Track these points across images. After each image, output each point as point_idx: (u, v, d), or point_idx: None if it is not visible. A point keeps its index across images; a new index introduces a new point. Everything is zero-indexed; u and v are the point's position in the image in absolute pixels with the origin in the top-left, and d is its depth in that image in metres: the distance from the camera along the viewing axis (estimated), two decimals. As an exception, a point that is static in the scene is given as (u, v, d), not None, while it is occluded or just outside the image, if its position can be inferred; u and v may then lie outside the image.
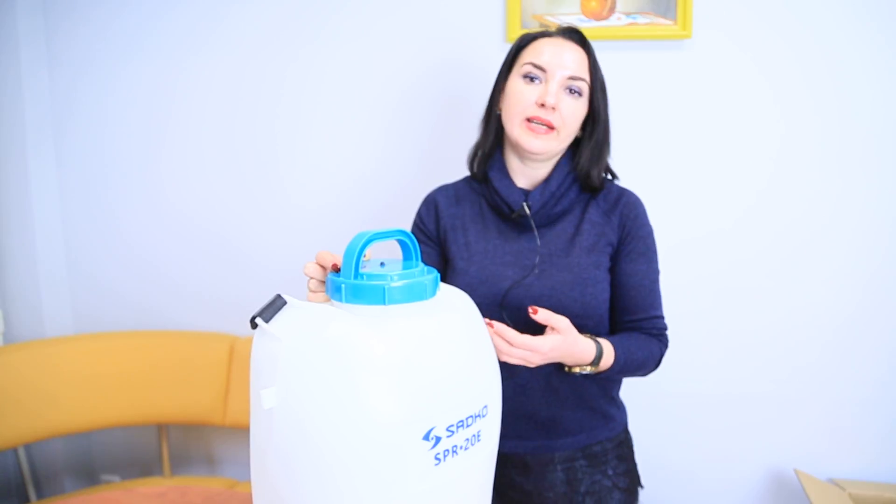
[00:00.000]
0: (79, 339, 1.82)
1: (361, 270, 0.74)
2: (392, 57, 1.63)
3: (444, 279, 1.16)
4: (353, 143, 1.70)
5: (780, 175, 1.54)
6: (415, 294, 0.74)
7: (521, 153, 1.13)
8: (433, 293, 0.76)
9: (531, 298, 1.08)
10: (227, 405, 1.79)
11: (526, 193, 1.15)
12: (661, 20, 1.52)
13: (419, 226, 1.22)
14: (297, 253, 1.76)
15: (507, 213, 1.15)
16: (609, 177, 1.19)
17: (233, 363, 1.79)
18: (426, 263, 1.14)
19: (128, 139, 1.82)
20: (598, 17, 1.53)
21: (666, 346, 1.14)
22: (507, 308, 1.09)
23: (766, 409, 1.61)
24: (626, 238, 1.13)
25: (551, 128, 1.09)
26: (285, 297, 0.74)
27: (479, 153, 1.20)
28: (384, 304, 0.72)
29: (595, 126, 1.12)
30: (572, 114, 1.10)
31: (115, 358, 1.79)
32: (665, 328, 1.14)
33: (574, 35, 1.12)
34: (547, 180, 1.14)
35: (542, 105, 1.07)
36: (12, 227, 1.85)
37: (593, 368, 1.04)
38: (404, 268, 0.77)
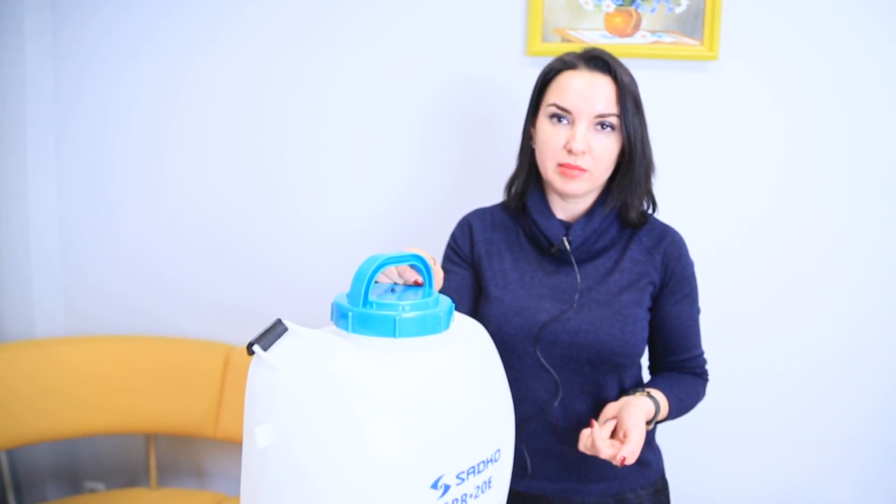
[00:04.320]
0: (69, 342, 1.77)
1: (371, 298, 0.69)
2: (404, 68, 1.60)
3: (475, 305, 1.13)
4: (363, 152, 1.66)
5: (801, 203, 1.50)
6: (428, 327, 0.69)
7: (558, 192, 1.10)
8: (447, 325, 0.71)
9: (568, 333, 1.04)
10: (220, 417, 1.74)
11: (566, 227, 1.10)
12: (687, 40, 1.47)
13: (453, 247, 1.18)
14: (301, 262, 1.73)
15: (546, 247, 1.11)
16: (650, 209, 1.14)
17: (227, 373, 1.74)
18: (459, 286, 1.12)
19: (131, 138, 1.78)
20: (623, 34, 1.49)
21: (707, 381, 1.14)
22: (541, 342, 1.05)
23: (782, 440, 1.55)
24: (670, 279, 1.09)
25: (585, 170, 1.04)
26: (286, 322, 0.68)
27: (517, 184, 1.16)
28: (394, 336, 0.67)
29: (631, 158, 1.06)
30: (604, 151, 1.05)
31: (105, 362, 1.74)
32: (706, 363, 1.13)
33: (599, 63, 1.06)
34: (589, 215, 1.09)
35: (571, 152, 1.03)
36: (8, 224, 1.80)
37: (648, 427, 1.01)
38: (418, 296, 0.72)
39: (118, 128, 1.78)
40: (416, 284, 0.78)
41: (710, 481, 1.60)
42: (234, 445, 1.78)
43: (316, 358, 0.64)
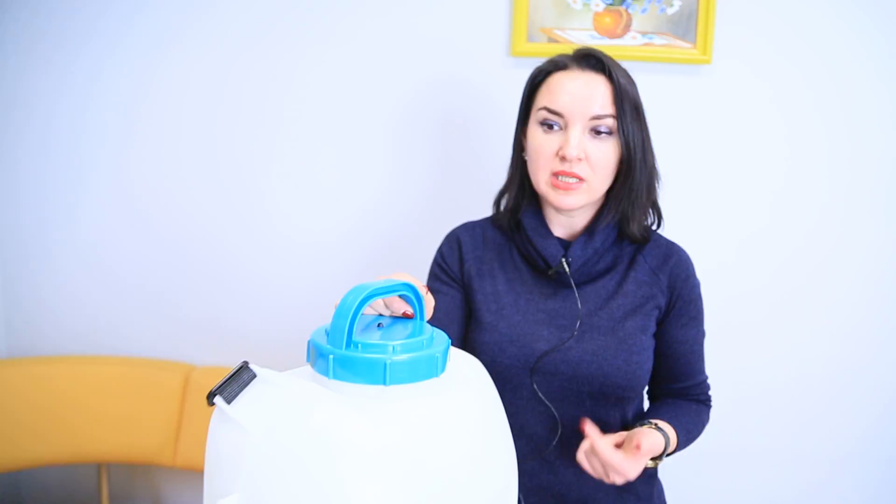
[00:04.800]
0: (10, 364, 1.64)
1: (355, 336, 0.59)
2: (379, 69, 1.52)
3: (465, 331, 1.06)
4: (337, 158, 1.58)
5: (796, 215, 1.46)
6: (422, 371, 0.60)
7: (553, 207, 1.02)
8: (444, 367, 0.62)
9: (569, 364, 0.97)
10: (178, 444, 1.63)
11: (564, 246, 1.03)
12: (680, 43, 1.41)
13: (441, 264, 1.10)
14: (267, 272, 1.64)
15: (543, 268, 1.03)
16: (655, 223, 1.07)
17: (187, 396, 1.64)
18: (448, 307, 1.05)
19: (84, 141, 1.65)
20: (612, 35, 1.42)
21: (710, 407, 1.09)
22: (539, 373, 0.98)
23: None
24: (677, 301, 1.03)
25: (581, 179, 0.97)
26: (255, 368, 0.58)
27: (507, 198, 1.09)
28: (384, 384, 0.57)
29: (630, 165, 0.98)
30: (602, 159, 0.97)
31: (52, 386, 1.62)
32: (709, 388, 1.08)
33: (591, 61, 0.99)
34: (589, 233, 1.02)
35: (564, 159, 0.96)
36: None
37: (656, 462, 0.95)
38: (409, 333, 0.63)
39: (67, 130, 1.64)
40: (405, 316, 0.68)
41: (702, 499, 1.56)
42: (194, 474, 1.68)
43: (291, 413, 0.54)
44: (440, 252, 1.11)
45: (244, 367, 0.58)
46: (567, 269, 1.00)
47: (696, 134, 1.46)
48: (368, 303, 0.61)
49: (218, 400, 0.55)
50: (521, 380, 0.98)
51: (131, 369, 1.66)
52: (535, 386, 0.98)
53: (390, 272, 1.54)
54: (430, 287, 1.09)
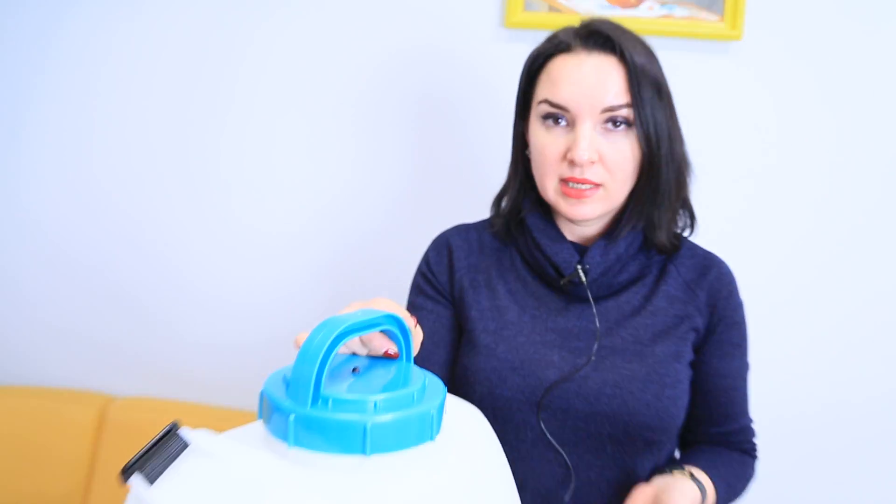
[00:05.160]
0: None
1: (324, 389, 0.51)
2: (351, 41, 1.47)
3: (455, 354, 1.00)
4: (296, 144, 1.52)
5: (843, 217, 1.43)
6: (412, 435, 0.52)
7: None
8: (438, 428, 0.54)
9: (585, 398, 0.90)
10: (91, 491, 1.56)
11: (580, 251, 0.97)
12: (705, 14, 1.36)
13: (426, 275, 1.04)
14: (211, 284, 1.58)
15: (553, 277, 0.97)
16: (688, 229, 1.02)
17: (103, 433, 1.57)
18: (433, 328, 0.99)
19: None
20: (625, 4, 1.38)
21: (757, 458, 1.04)
22: (547, 410, 0.91)
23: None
24: (718, 325, 0.97)
25: (596, 185, 0.91)
26: (187, 433, 0.49)
27: (507, 200, 1.03)
28: (363, 453, 0.49)
29: (653, 161, 0.92)
30: (620, 158, 0.91)
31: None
32: (755, 435, 1.03)
33: (600, 40, 0.92)
34: (609, 236, 0.96)
35: (573, 163, 0.90)
36: None
37: None
38: (393, 380, 0.56)
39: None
40: (387, 357, 0.60)
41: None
42: (110, 529, 1.60)
43: (237, 498, 0.46)
44: (426, 259, 1.05)
45: (172, 431, 0.49)
46: (583, 279, 0.94)
47: (722, 123, 1.41)
48: (343, 343, 0.53)
49: (136, 479, 0.47)
50: (526, 417, 0.91)
51: (34, 401, 1.61)
52: (542, 425, 0.91)
53: (361, 285, 1.54)
54: (412, 303, 1.03)
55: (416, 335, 0.64)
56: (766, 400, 1.31)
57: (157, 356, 1.61)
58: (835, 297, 1.44)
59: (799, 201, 1.43)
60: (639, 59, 0.91)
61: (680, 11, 1.36)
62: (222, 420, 1.52)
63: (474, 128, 1.45)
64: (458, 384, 0.95)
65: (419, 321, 0.97)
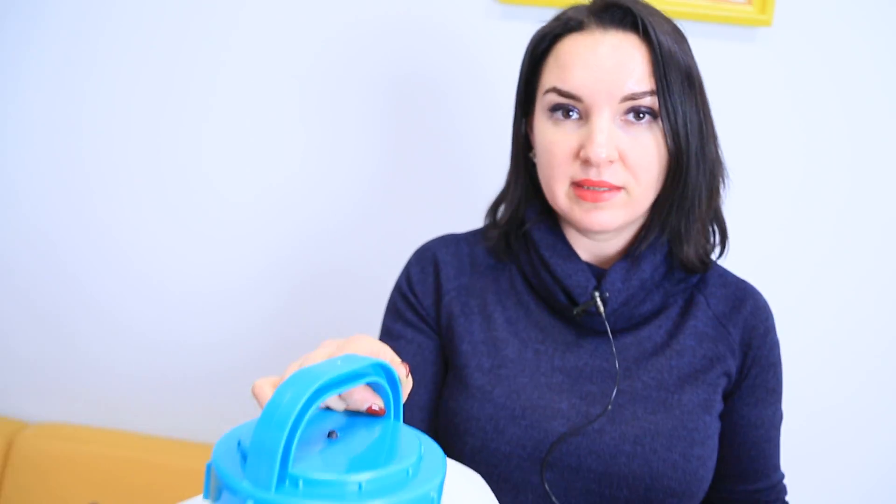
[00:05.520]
0: None
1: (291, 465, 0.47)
2: (332, 14, 1.44)
3: (439, 393, 0.96)
4: (273, 133, 1.49)
5: (872, 219, 1.44)
6: None
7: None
8: (437, 507, 0.50)
9: (599, 456, 0.87)
10: None
11: (597, 273, 0.93)
12: None
13: (406, 297, 1.00)
14: (148, 285, 1.53)
15: (564, 305, 0.93)
16: (718, 249, 0.98)
17: (7, 467, 1.52)
18: (414, 362, 0.95)
19: None
20: None
21: None
22: (553, 468, 0.87)
23: None
24: (752, 367, 0.94)
25: (617, 188, 0.87)
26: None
27: (505, 207, 1.00)
28: None
29: (681, 162, 0.89)
30: (644, 155, 0.88)
31: None
32: (786, 492, 1.01)
33: (617, 14, 0.89)
34: (632, 256, 0.92)
35: (588, 162, 0.86)
36: None
37: None
38: (381, 452, 0.52)
39: None
40: (371, 414, 0.55)
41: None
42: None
43: None
44: (406, 276, 1.01)
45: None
46: (601, 309, 0.90)
47: (749, 118, 1.41)
48: (319, 402, 0.48)
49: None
50: (526, 476, 0.87)
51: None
52: (546, 486, 0.87)
53: (326, 305, 1.52)
54: (388, 330, 0.99)
55: (406, 386, 0.60)
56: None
57: (79, 377, 1.57)
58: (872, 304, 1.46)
59: (831, 208, 1.43)
60: (665, 38, 0.87)
61: (703, -9, 1.34)
62: (152, 451, 1.49)
63: (460, 117, 1.42)
64: (443, 432, 0.91)
65: (396, 352, 0.92)
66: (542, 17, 1.36)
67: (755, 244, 1.42)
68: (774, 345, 0.96)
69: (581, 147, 0.86)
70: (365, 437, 0.53)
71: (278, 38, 1.44)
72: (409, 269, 1.01)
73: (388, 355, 0.59)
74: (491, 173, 1.41)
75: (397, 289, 1.01)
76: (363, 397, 0.55)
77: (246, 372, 1.48)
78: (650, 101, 0.86)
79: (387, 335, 0.98)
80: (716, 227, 0.97)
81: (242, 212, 1.50)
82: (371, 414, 0.56)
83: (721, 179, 0.94)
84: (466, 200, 1.40)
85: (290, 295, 1.49)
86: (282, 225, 1.49)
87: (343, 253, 1.49)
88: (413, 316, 0.98)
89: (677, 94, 0.87)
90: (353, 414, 0.56)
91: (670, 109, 0.86)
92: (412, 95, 1.45)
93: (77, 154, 1.51)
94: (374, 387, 0.55)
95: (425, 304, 0.98)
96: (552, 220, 0.96)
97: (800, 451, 1.45)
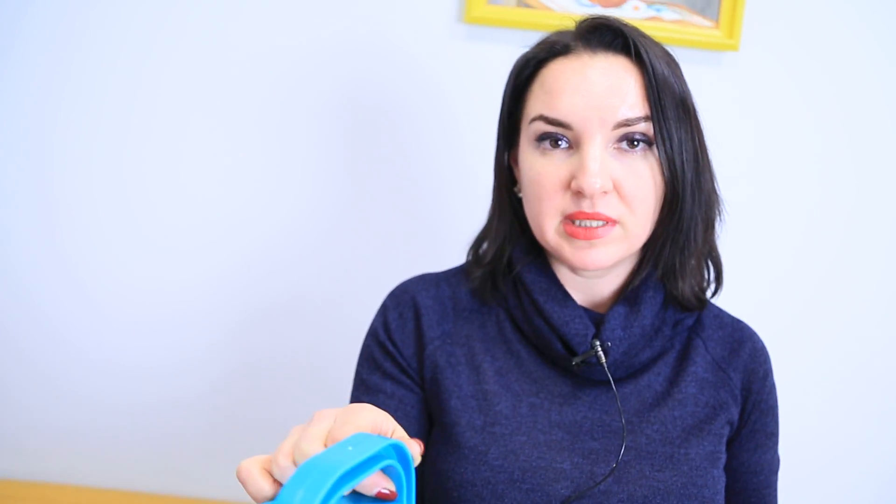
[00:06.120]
0: None
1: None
2: (290, 32, 1.37)
3: (426, 458, 0.88)
4: (225, 155, 1.41)
5: (864, 251, 1.44)
6: None
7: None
8: None
9: None
10: None
11: (594, 319, 0.88)
12: (698, 19, 1.33)
13: (384, 345, 0.92)
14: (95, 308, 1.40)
15: (560, 355, 0.87)
16: (713, 286, 0.94)
17: None
18: (397, 417, 0.87)
19: None
20: (606, 3, 1.33)
21: None
22: None
23: None
24: (753, 412, 0.91)
25: (612, 221, 0.82)
26: None
27: (489, 245, 0.94)
28: None
29: (677, 193, 0.84)
30: (641, 186, 0.82)
31: None
32: None
33: (607, 37, 0.84)
34: (631, 301, 0.87)
35: (580, 193, 0.81)
36: None
37: None
38: None
39: None
40: (381, 499, 0.49)
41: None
42: None
43: None
44: (383, 323, 0.93)
45: None
46: (602, 360, 0.85)
47: (715, 142, 1.36)
48: (334, 501, 0.41)
49: None
50: None
51: None
52: None
53: (277, 336, 1.46)
54: (367, 383, 0.91)
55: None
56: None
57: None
58: (836, 315, 1.46)
59: (799, 233, 1.43)
60: (658, 62, 0.83)
61: (669, 14, 1.32)
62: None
63: (420, 142, 1.37)
64: (433, 497, 0.84)
65: (376, 405, 0.85)
66: (508, 40, 1.34)
67: (731, 273, 1.40)
68: (773, 388, 0.93)
69: (572, 178, 0.81)
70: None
71: (229, 58, 1.36)
72: (385, 315, 0.93)
73: (389, 427, 0.53)
74: (450, 200, 1.38)
75: (372, 336, 0.93)
76: (374, 481, 0.49)
77: (196, 401, 1.41)
78: (644, 128, 0.81)
79: (363, 388, 0.90)
80: (710, 263, 0.93)
81: (191, 237, 1.41)
82: (381, 499, 0.49)
83: (717, 212, 0.90)
84: (423, 226, 1.35)
85: (238, 322, 1.41)
86: (232, 250, 1.41)
87: (295, 279, 1.41)
88: (392, 367, 0.90)
89: (672, 121, 0.82)
90: (359, 498, 0.50)
91: (665, 136, 0.82)
92: (370, 119, 1.38)
93: (32, 170, 1.40)
94: (391, 473, 0.49)
95: (406, 355, 0.91)
96: (542, 260, 0.90)
97: (801, 471, 1.45)
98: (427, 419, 0.90)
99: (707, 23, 1.31)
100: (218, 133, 1.38)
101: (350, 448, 0.44)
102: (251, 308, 1.41)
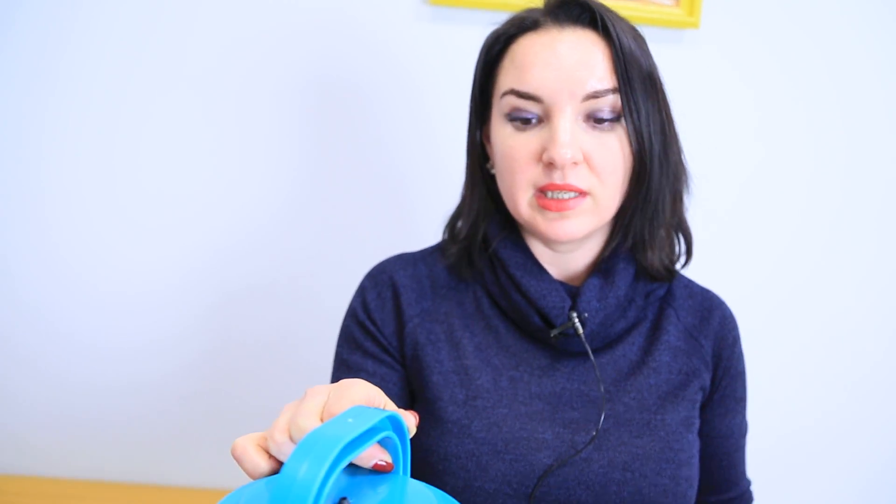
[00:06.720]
0: None
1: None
2: (248, 13, 1.35)
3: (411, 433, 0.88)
4: (183, 143, 1.39)
5: (819, 225, 1.46)
6: None
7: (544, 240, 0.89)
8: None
9: (588, 487, 0.82)
10: None
11: (570, 292, 0.89)
12: None
13: (364, 325, 0.93)
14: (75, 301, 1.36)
15: (539, 328, 0.88)
16: (683, 256, 0.96)
17: None
18: (385, 388, 0.88)
19: None
20: None
21: None
22: (541, 502, 0.82)
23: None
24: (723, 378, 0.94)
25: (583, 192, 0.83)
26: None
27: (464, 223, 0.94)
28: None
29: (644, 164, 0.85)
30: (610, 157, 0.84)
31: None
32: (752, 500, 1.01)
33: (574, 11, 0.86)
34: (605, 273, 0.89)
35: (552, 165, 0.81)
36: None
37: None
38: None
39: None
40: (378, 470, 0.50)
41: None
42: None
43: None
44: (362, 303, 0.94)
45: None
46: (580, 331, 0.86)
47: (676, 121, 1.39)
48: (337, 472, 0.42)
49: None
50: None
51: None
52: None
53: (242, 322, 1.46)
54: (348, 362, 0.92)
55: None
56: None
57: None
58: (820, 300, 1.48)
59: (775, 208, 1.45)
60: (625, 37, 0.84)
61: (630, -8, 1.32)
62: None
63: (386, 123, 1.36)
64: (418, 472, 0.85)
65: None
66: (474, 20, 1.33)
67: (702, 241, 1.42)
68: (741, 354, 0.96)
69: (543, 150, 0.82)
70: (378, 499, 0.47)
71: (190, 38, 1.34)
72: (364, 295, 0.94)
73: (381, 401, 0.54)
74: (419, 180, 1.37)
75: (352, 316, 0.93)
76: (371, 453, 0.49)
77: (165, 383, 1.40)
78: (612, 100, 0.83)
79: (344, 367, 0.91)
80: (681, 236, 0.94)
81: (163, 219, 1.39)
82: (378, 470, 0.50)
83: (685, 185, 0.92)
84: (393, 206, 1.35)
85: (212, 305, 1.40)
86: (203, 233, 1.40)
87: (262, 264, 1.40)
88: (373, 346, 0.91)
89: (640, 93, 0.84)
90: (355, 471, 0.50)
91: (633, 108, 0.83)
92: (335, 100, 1.37)
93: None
94: (384, 442, 0.50)
95: (386, 333, 0.91)
96: (516, 235, 0.91)
97: (790, 459, 1.48)
98: (409, 396, 0.91)
99: (668, 2, 1.33)
100: (184, 116, 1.36)
101: (350, 420, 0.45)
102: (224, 291, 1.40)
